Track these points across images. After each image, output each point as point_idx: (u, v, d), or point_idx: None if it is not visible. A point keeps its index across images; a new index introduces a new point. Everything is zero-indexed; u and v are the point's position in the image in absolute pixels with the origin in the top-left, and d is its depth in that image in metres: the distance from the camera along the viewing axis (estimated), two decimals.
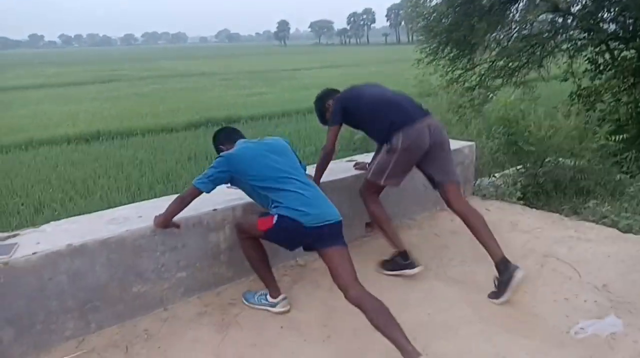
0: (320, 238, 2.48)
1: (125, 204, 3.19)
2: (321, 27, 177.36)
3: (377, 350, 2.37)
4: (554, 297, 2.82)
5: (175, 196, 2.69)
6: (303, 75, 31.26)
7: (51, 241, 2.46)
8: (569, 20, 9.45)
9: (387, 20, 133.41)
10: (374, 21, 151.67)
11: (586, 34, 9.32)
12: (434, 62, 10.28)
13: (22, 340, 2.35)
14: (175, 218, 2.66)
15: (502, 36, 10.04)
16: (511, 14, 9.72)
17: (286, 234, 2.52)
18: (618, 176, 6.09)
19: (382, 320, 2.23)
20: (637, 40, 8.38)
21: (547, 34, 9.46)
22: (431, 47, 10.32)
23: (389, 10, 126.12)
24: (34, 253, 2.34)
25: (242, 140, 2.77)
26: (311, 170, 3.12)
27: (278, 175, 2.53)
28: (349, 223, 3.61)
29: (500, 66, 9.82)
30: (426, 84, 8.82)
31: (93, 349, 2.44)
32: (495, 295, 2.77)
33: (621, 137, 7.02)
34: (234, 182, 2.66)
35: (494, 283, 2.79)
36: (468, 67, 10.15)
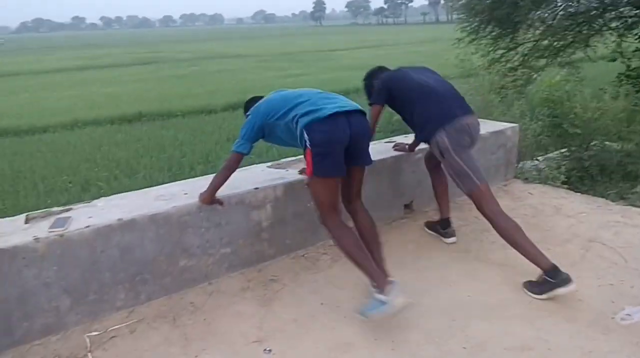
0: (350, 145, 2.45)
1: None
2: (358, 7, 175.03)
3: (417, 329, 2.39)
4: (598, 282, 2.77)
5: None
6: (339, 56, 31.04)
7: (103, 216, 2.57)
8: None
9: None
10: (411, 0, 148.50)
11: (638, 11, 8.88)
12: (475, 42, 10.02)
13: (77, 309, 2.48)
14: (218, 196, 2.72)
15: (547, 14, 9.69)
16: None
17: (326, 152, 2.40)
18: None
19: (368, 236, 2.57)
20: None
21: (595, 12, 9.07)
22: (472, 26, 10.06)
23: None
24: (87, 227, 2.46)
25: None
26: None
27: (296, 99, 2.55)
28: (388, 205, 3.64)
29: (545, 45, 9.49)
30: (467, 64, 8.62)
31: (142, 319, 2.55)
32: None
33: None
34: (266, 134, 2.65)
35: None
36: (510, 46, 9.85)
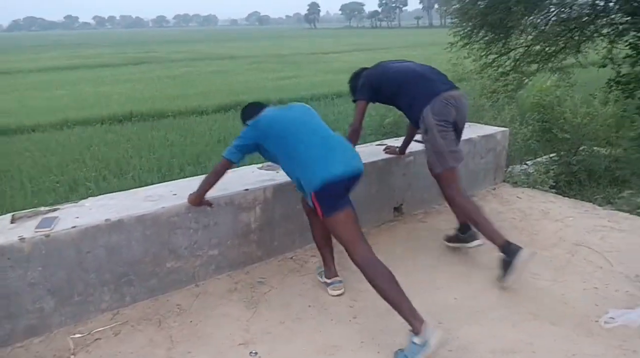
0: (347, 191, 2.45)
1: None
2: (352, 10, 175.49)
3: (403, 332, 2.39)
4: (583, 286, 2.79)
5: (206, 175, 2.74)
6: (333, 59, 31.09)
7: (90, 216, 2.55)
8: (611, 3, 9.10)
9: (420, 3, 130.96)
10: (406, 4, 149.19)
11: (629, 18, 8.96)
12: (468, 46, 10.08)
13: (61, 310, 2.46)
14: (208, 197, 2.72)
15: (539, 20, 9.75)
16: None
17: (330, 198, 2.38)
18: None
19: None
20: None
21: (586, 18, 9.14)
22: (465, 31, 10.12)
23: None
24: (73, 227, 2.44)
25: (268, 108, 2.75)
26: None
27: (297, 135, 2.46)
28: (378, 207, 3.65)
29: (537, 51, 9.55)
30: (459, 68, 8.68)
31: (127, 321, 2.53)
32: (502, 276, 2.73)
33: None
34: (261, 151, 2.61)
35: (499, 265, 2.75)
36: (503, 51, 9.91)
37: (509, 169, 4.83)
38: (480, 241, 3.03)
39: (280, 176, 3.17)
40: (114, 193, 2.95)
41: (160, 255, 2.68)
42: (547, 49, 9.41)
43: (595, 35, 9.19)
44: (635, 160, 5.78)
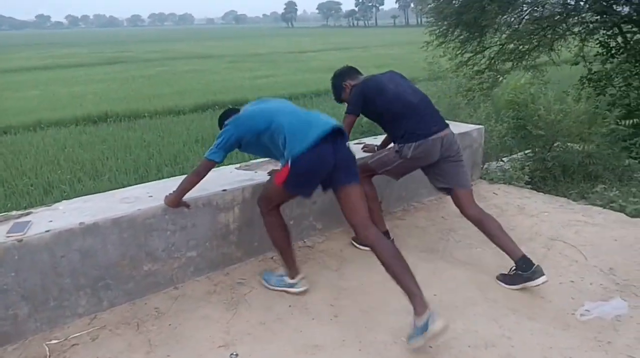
0: (335, 168, 2.46)
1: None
2: (329, 9, 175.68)
3: (384, 329, 2.41)
4: (559, 280, 2.84)
5: (184, 176, 2.71)
6: (310, 58, 31.07)
7: (64, 219, 2.50)
8: (582, 2, 9.30)
9: (396, 2, 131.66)
10: (382, 3, 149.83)
11: (599, 17, 9.18)
12: (444, 45, 10.18)
13: (36, 316, 2.40)
14: (185, 198, 2.68)
15: (513, 18, 9.91)
16: None
17: (304, 176, 2.45)
18: (627, 161, 6.08)
19: (395, 263, 2.34)
20: None
21: (558, 17, 9.32)
22: (441, 30, 10.22)
23: None
24: (47, 231, 2.38)
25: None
26: None
27: (277, 116, 2.55)
28: None
29: (511, 49, 9.70)
30: (435, 67, 8.75)
31: (105, 326, 2.49)
32: (507, 280, 2.77)
33: (631, 122, 6.97)
34: (243, 145, 2.64)
35: (511, 270, 2.76)
36: (478, 50, 10.04)
37: (486, 166, 4.89)
38: (545, 278, 2.67)
39: (258, 176, 3.16)
40: (88, 196, 2.90)
41: (137, 258, 2.64)
42: (520, 47, 9.57)
43: (567, 33, 9.38)
44: (607, 156, 5.91)
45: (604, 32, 9.33)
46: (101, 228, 2.50)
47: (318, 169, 2.46)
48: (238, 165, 3.42)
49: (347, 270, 3.00)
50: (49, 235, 2.38)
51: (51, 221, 2.48)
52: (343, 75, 3.22)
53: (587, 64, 9.56)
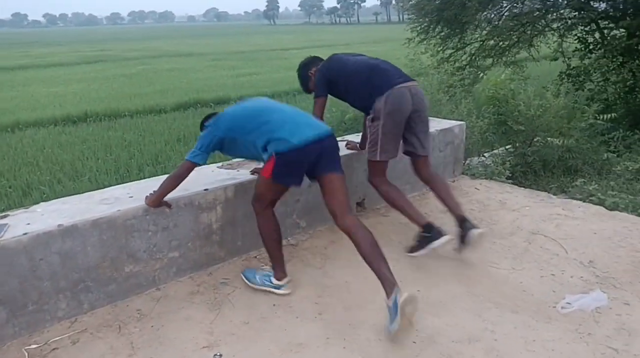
0: (319, 158, 2.50)
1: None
2: (311, 6, 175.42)
3: (368, 326, 2.41)
4: (541, 273, 2.88)
5: (166, 176, 2.68)
6: (293, 55, 30.94)
7: (42, 221, 2.45)
8: None
9: None
10: (364, 0, 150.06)
11: (576, 13, 9.32)
12: (425, 42, 10.24)
13: (14, 321, 2.35)
14: (166, 198, 2.66)
15: (493, 15, 10.01)
16: None
17: (290, 166, 2.49)
18: (605, 155, 6.18)
19: (370, 251, 2.42)
20: (627, 19, 8.38)
21: (537, 13, 9.44)
22: (422, 26, 10.28)
23: None
24: (24, 234, 2.33)
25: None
26: None
27: (261, 116, 2.56)
28: None
29: (491, 45, 9.81)
30: (417, 64, 8.80)
31: (86, 329, 2.45)
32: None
33: (609, 116, 7.11)
34: (225, 147, 2.64)
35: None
36: (459, 46, 10.13)
37: (467, 162, 4.94)
38: (450, 237, 2.94)
39: (241, 175, 3.14)
40: (67, 198, 2.84)
41: (118, 260, 2.60)
42: (501, 43, 9.67)
43: (546, 29, 9.51)
44: (586, 150, 6.01)
45: (582, 28, 9.47)
46: (80, 230, 2.46)
47: (303, 158, 2.48)
48: (220, 164, 3.39)
49: (331, 268, 2.99)
50: (27, 238, 2.33)
51: (29, 224, 2.44)
52: (308, 65, 3.28)
53: (566, 59, 9.71)
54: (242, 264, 3.05)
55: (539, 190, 4.41)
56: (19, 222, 2.46)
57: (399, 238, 3.35)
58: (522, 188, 4.38)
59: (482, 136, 5.73)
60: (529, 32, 9.41)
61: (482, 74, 9.71)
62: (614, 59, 8.49)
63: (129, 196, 2.77)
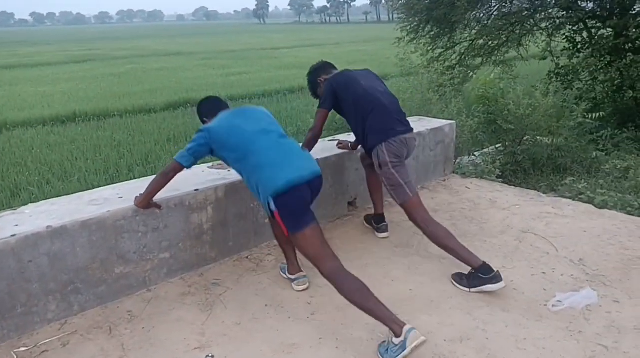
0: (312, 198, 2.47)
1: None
2: (301, 5, 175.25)
3: (361, 326, 2.41)
4: (531, 272, 2.89)
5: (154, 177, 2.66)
6: (283, 55, 30.92)
7: (30, 223, 2.42)
8: None
9: None
10: None
11: (565, 13, 9.39)
12: (415, 41, 10.26)
13: (3, 323, 2.32)
14: (156, 199, 2.63)
15: (482, 14, 10.07)
16: None
17: (293, 208, 2.38)
18: (594, 154, 6.24)
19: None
20: (614, 18, 8.47)
21: (526, 12, 9.51)
22: (412, 26, 10.30)
23: None
24: (12, 236, 2.30)
25: (224, 111, 2.68)
26: None
27: (247, 144, 2.44)
28: (333, 202, 3.65)
29: (480, 45, 9.86)
30: (407, 63, 8.83)
31: (76, 331, 2.42)
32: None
33: (597, 115, 7.17)
34: (215, 154, 2.59)
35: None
36: (448, 45, 10.18)
37: (458, 161, 4.96)
38: (387, 234, 3.40)
39: (231, 175, 3.12)
40: (55, 199, 2.81)
41: (108, 261, 2.58)
42: (490, 42, 9.73)
43: (534, 29, 9.59)
44: (575, 149, 6.06)
45: (570, 27, 9.55)
46: (70, 232, 2.44)
47: (301, 206, 2.40)
48: (210, 164, 3.37)
49: None
50: (15, 240, 2.30)
51: (17, 225, 2.41)
52: (318, 70, 3.25)
53: (555, 58, 9.79)
54: (233, 265, 3.04)
55: (529, 188, 4.44)
56: (7, 224, 2.42)
57: (390, 238, 3.37)
58: (512, 187, 4.41)
59: (473, 135, 5.75)
60: (517, 31, 9.49)
61: (471, 73, 9.76)
62: (602, 58, 8.57)
63: (118, 197, 2.74)
